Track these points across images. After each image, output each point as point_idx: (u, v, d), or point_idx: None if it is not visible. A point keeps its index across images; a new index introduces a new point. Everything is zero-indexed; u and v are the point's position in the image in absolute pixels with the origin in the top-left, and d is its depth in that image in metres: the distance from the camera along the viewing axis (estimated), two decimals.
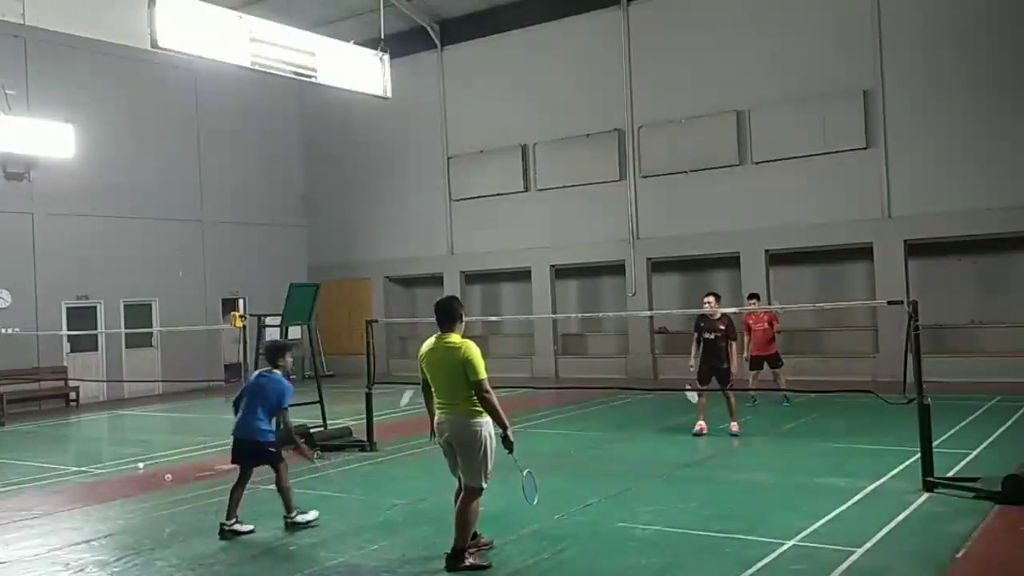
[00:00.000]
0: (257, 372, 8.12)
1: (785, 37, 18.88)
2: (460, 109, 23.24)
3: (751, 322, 14.69)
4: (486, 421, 6.27)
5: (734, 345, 11.87)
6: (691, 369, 12.10)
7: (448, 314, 6.42)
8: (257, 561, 6.93)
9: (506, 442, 6.25)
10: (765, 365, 14.77)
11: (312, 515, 7.74)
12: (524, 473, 6.39)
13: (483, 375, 6.22)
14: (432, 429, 6.56)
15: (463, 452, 6.30)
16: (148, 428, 16.86)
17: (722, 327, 11.79)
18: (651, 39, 20.46)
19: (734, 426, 11.78)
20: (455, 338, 6.35)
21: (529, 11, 21.88)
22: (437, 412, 6.44)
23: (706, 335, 11.81)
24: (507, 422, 6.25)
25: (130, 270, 21.50)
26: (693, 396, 11.57)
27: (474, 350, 6.27)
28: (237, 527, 7.56)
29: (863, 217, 18.08)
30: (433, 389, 6.46)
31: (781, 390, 14.27)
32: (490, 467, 6.32)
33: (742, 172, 19.42)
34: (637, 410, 15.34)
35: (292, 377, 8.23)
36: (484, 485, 6.31)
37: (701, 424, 11.84)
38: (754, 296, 15.11)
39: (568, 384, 18.76)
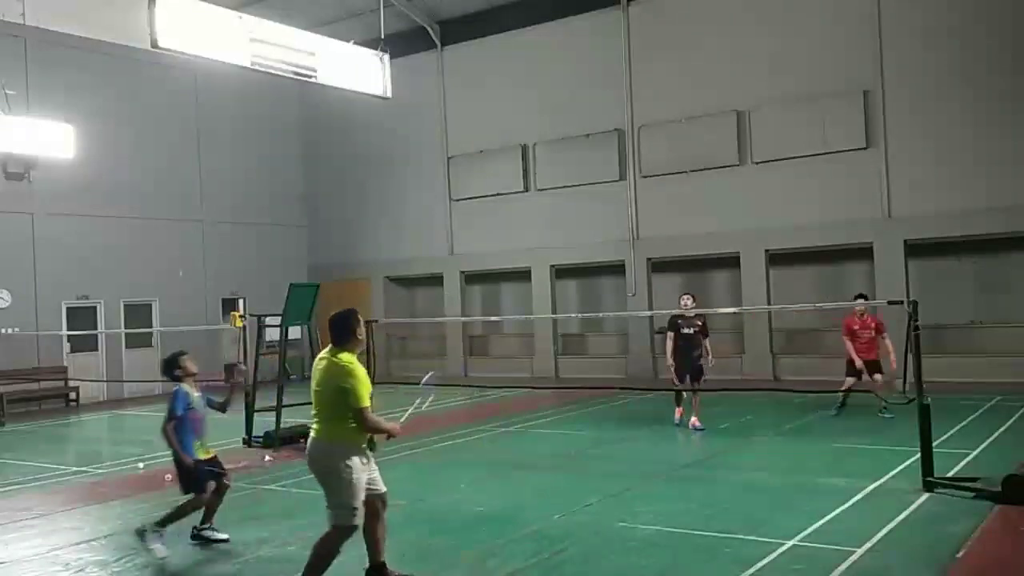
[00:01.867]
0: None
1: (785, 37, 18.88)
2: (460, 109, 23.24)
3: (857, 328, 12.69)
4: (347, 449, 5.61)
5: (708, 341, 12.52)
6: (670, 367, 12.49)
7: (344, 328, 5.78)
8: (256, 561, 6.93)
9: (390, 437, 5.85)
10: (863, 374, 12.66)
11: (162, 553, 7.00)
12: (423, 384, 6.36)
13: (365, 403, 5.55)
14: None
15: (323, 481, 5.67)
16: (148, 428, 16.74)
17: (699, 323, 12.45)
18: (651, 39, 20.45)
19: (695, 421, 12.31)
20: (345, 356, 5.68)
21: (529, 11, 21.87)
22: (311, 433, 5.84)
23: (684, 330, 12.34)
24: (389, 427, 5.74)
25: (130, 270, 21.50)
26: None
27: (360, 373, 5.61)
28: (208, 533, 7.41)
29: (863, 217, 18.08)
30: (313, 406, 5.83)
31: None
32: (356, 503, 5.58)
33: (742, 172, 19.41)
34: (637, 410, 15.33)
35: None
36: (351, 524, 5.59)
37: (680, 411, 12.67)
38: (862, 296, 12.96)
39: (568, 384, 18.77)
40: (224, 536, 7.44)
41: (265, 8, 17.35)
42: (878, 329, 12.61)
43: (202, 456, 7.36)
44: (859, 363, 12.50)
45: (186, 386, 7.40)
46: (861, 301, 12.64)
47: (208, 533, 7.44)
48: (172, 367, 7.49)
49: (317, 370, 5.80)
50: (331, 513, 5.61)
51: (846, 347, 12.76)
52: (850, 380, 12.74)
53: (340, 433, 5.65)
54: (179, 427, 7.23)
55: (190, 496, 7.28)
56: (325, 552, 5.61)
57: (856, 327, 12.68)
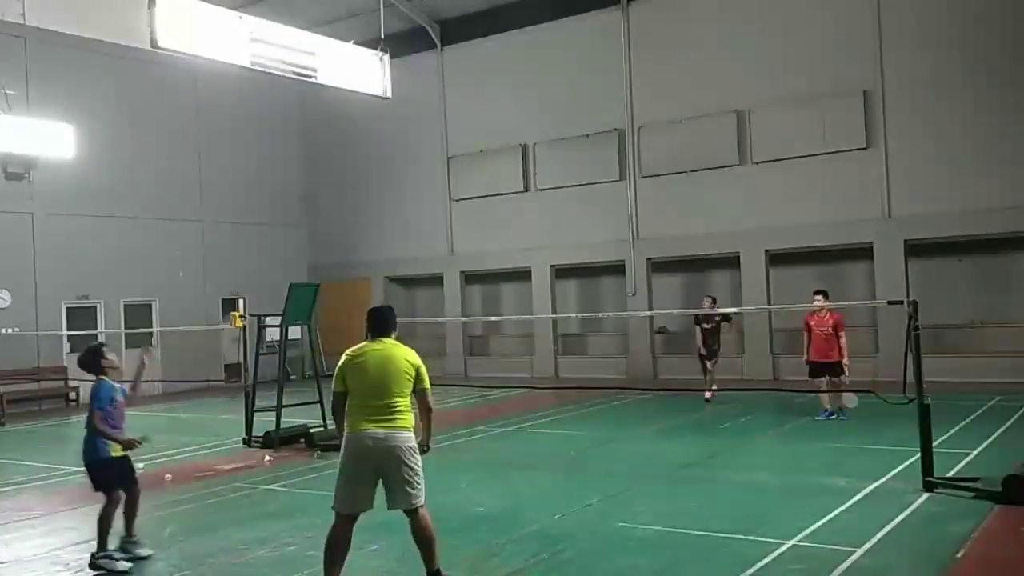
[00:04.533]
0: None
1: (785, 37, 18.88)
2: (460, 109, 23.24)
3: (813, 323, 12.65)
4: (413, 434, 5.79)
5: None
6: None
7: (386, 321, 5.92)
8: (256, 561, 6.93)
9: (423, 451, 5.90)
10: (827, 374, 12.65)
11: (124, 566, 6.74)
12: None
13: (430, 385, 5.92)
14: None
15: (404, 471, 5.65)
16: (148, 428, 16.70)
17: (716, 319, 15.35)
18: (651, 39, 20.45)
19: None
20: (394, 341, 5.88)
21: (529, 11, 21.88)
22: (365, 427, 5.63)
23: (704, 325, 15.35)
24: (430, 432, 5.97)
25: (130, 270, 21.50)
26: None
27: (419, 357, 5.90)
28: (131, 548, 6.94)
29: (863, 217, 18.08)
30: (362, 399, 5.68)
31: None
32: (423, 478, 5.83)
33: (742, 172, 19.42)
34: (637, 410, 15.34)
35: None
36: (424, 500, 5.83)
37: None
38: (820, 293, 12.70)
39: (568, 384, 18.76)
40: (146, 553, 6.99)
41: (265, 8, 17.36)
42: (836, 327, 12.48)
43: (116, 455, 7.11)
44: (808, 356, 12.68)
45: (109, 380, 7.24)
46: (820, 298, 12.53)
47: (131, 548, 6.97)
48: (98, 359, 7.30)
49: (370, 361, 5.72)
50: (415, 497, 5.69)
51: (803, 341, 12.83)
52: (819, 380, 12.69)
53: (410, 419, 5.75)
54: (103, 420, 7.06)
55: (103, 504, 6.95)
56: (432, 529, 5.77)
57: (812, 322, 12.66)
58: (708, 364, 15.38)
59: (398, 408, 5.70)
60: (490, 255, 22.86)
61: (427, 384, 5.85)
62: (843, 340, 12.48)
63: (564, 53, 21.57)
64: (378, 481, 5.72)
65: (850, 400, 12.06)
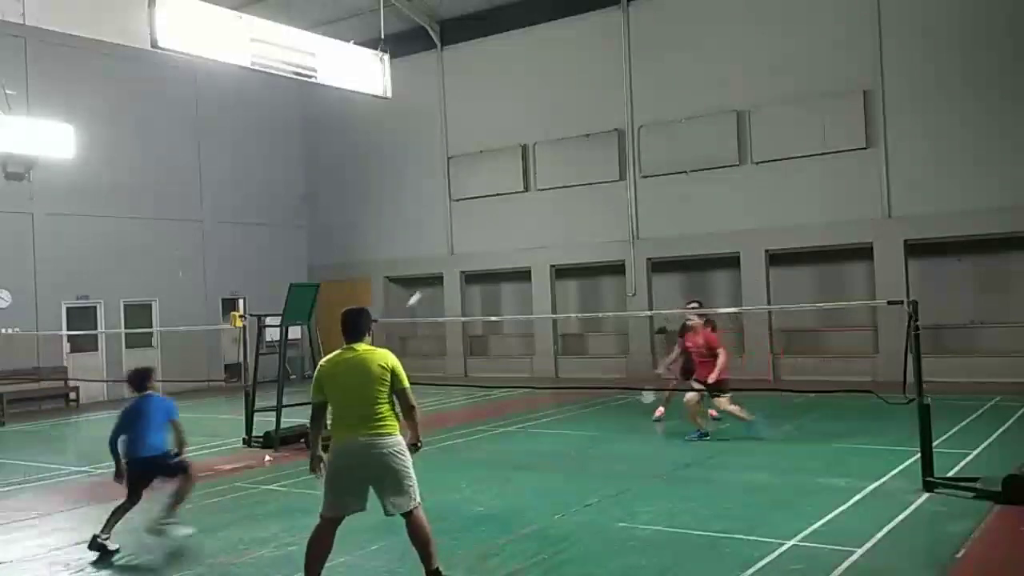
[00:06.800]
0: (138, 397, 8.12)
1: (785, 37, 18.88)
2: (460, 109, 23.24)
3: (690, 346, 11.99)
4: (400, 435, 5.74)
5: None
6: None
7: (358, 325, 5.86)
8: (257, 561, 6.93)
9: (414, 450, 5.86)
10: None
11: (188, 530, 7.44)
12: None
13: (408, 383, 5.79)
14: (316, 459, 5.81)
15: (394, 476, 5.62)
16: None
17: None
18: (651, 39, 20.45)
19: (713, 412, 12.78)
20: (368, 345, 5.84)
21: (529, 11, 21.88)
22: (348, 435, 5.63)
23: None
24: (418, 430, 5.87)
25: (130, 270, 21.50)
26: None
27: (395, 357, 5.84)
28: (109, 544, 7.23)
29: (863, 217, 18.08)
30: (342, 408, 5.70)
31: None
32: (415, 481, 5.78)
33: (742, 172, 19.41)
34: (637, 410, 15.30)
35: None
36: (420, 499, 5.79)
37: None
38: (695, 302, 12.51)
39: (568, 384, 18.75)
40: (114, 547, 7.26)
41: (265, 8, 17.35)
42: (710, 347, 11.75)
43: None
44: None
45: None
46: (694, 306, 12.50)
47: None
48: (149, 378, 8.31)
49: (345, 369, 5.72)
50: (408, 501, 5.65)
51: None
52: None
53: (395, 423, 5.70)
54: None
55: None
56: (428, 529, 5.73)
57: (690, 345, 11.98)
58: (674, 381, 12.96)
59: (381, 413, 5.65)
60: (490, 255, 22.86)
61: (406, 383, 5.75)
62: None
63: (564, 53, 21.57)
64: (368, 487, 5.70)
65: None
